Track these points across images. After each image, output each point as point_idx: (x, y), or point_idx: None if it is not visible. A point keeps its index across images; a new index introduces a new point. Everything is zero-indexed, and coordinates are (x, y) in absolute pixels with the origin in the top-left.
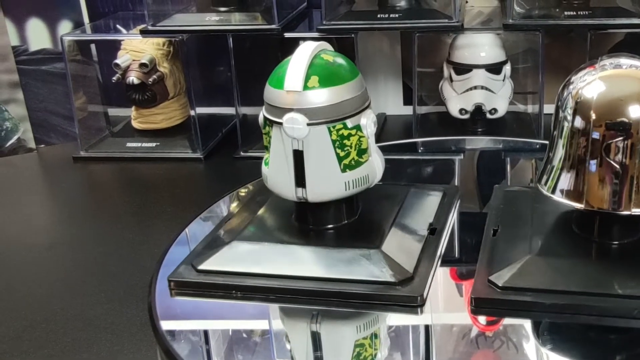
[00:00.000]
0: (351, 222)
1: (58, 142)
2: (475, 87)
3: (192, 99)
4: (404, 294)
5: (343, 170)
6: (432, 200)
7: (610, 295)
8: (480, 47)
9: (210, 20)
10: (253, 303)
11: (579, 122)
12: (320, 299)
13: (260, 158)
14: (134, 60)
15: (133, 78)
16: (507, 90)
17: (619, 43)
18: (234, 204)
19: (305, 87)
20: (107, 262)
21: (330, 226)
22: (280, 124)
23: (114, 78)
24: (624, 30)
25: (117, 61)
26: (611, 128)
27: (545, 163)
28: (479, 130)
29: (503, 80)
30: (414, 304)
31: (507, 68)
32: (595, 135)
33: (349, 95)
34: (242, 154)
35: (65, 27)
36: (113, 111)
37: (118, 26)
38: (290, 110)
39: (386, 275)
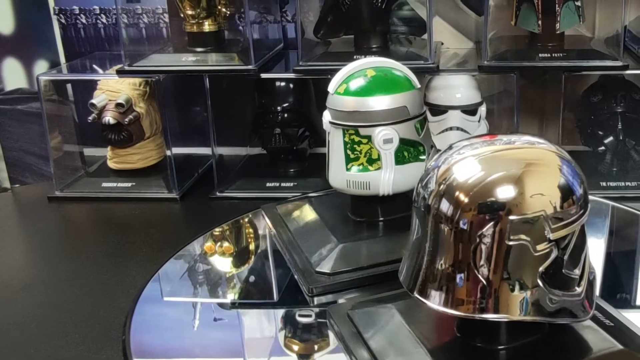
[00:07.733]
0: (383, 220)
1: (33, 181)
2: (450, 128)
3: (168, 139)
4: (307, 280)
5: (348, 170)
6: None
7: None
8: (456, 88)
9: (186, 61)
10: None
11: (444, 205)
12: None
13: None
14: (110, 100)
15: (109, 118)
16: (483, 131)
17: (593, 85)
18: None
19: (335, 92)
20: (82, 302)
21: (366, 219)
22: None
23: (90, 118)
24: (598, 72)
25: (93, 101)
26: (479, 212)
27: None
28: None
29: (479, 121)
30: (308, 293)
31: (482, 109)
32: (458, 221)
33: (365, 108)
34: (217, 194)
35: (41, 66)
36: (89, 151)
37: (94, 66)
38: (326, 107)
39: (314, 262)
